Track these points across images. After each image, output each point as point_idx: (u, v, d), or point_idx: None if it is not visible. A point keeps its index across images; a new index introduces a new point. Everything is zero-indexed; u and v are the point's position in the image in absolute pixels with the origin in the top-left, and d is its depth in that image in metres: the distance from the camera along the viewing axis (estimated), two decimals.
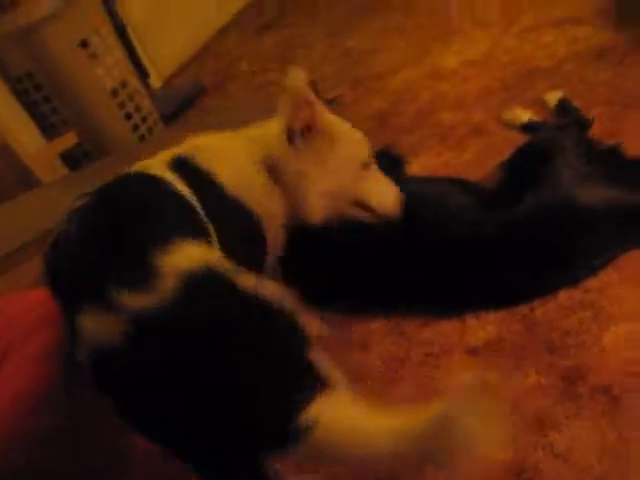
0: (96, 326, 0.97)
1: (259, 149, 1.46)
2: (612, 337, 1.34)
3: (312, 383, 0.96)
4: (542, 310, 1.47)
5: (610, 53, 2.27)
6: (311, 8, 4.10)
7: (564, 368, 1.33)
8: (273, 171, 1.46)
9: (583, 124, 1.91)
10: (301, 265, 1.60)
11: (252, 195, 1.41)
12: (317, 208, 1.49)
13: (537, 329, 1.44)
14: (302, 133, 1.46)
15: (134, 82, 3.01)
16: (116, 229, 1.07)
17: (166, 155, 1.39)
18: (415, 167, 2.14)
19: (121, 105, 2.92)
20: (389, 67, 2.94)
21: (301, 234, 1.52)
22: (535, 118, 2.08)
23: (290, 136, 1.46)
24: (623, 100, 2.03)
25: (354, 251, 1.63)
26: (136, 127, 2.98)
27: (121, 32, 3.11)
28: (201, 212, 1.23)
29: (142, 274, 0.98)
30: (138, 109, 2.98)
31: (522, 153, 1.78)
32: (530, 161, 1.69)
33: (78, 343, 0.99)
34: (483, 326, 1.50)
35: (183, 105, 3.41)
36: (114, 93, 2.89)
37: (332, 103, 2.77)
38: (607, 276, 1.47)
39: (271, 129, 1.49)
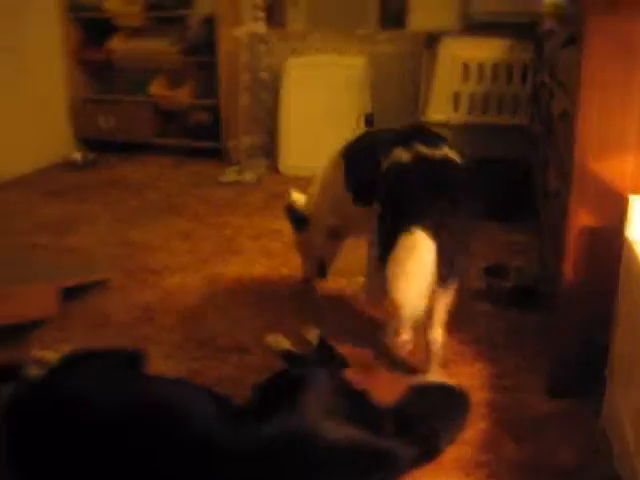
0: None
1: None
2: None
3: None
4: None
5: None
6: (104, 192, 4.12)
7: None
8: None
9: (338, 363, 2.05)
10: None
11: None
12: None
13: None
14: None
15: None
16: None
17: None
18: (167, 368, 2.12)
19: None
20: (166, 266, 2.98)
21: None
22: (293, 349, 2.19)
23: None
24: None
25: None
26: None
27: None
28: None
29: None
30: None
31: (277, 379, 1.83)
32: (283, 388, 1.74)
33: None
34: None
35: None
36: None
37: (97, 284, 2.73)
38: None
39: None
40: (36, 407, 1.66)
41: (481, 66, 3.98)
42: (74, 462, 1.57)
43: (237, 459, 1.52)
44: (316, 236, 2.51)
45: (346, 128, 4.32)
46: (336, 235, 2.50)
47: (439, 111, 4.01)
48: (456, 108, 4.02)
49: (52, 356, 2.02)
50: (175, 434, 1.56)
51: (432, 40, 4.05)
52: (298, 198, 2.56)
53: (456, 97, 4.02)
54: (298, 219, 2.53)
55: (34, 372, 1.82)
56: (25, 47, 4.37)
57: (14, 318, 2.27)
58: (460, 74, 4.00)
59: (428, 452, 1.70)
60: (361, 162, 2.21)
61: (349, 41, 4.49)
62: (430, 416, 1.75)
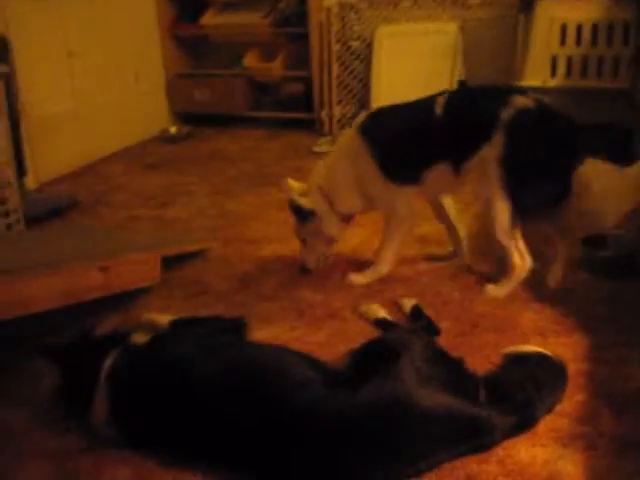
0: None
1: None
2: None
3: None
4: None
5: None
6: (200, 164, 4.24)
7: None
8: None
9: (432, 331, 2.07)
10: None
11: None
12: None
13: None
14: None
15: (8, 173, 2.94)
16: None
17: None
18: (265, 335, 2.18)
19: None
20: (262, 236, 3.05)
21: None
22: (388, 317, 2.22)
23: None
24: (470, 319, 2.24)
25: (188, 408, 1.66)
26: None
27: (15, 123, 3.12)
28: None
29: None
30: (3, 201, 2.90)
31: (372, 346, 1.85)
32: (378, 355, 1.76)
33: None
34: None
35: (51, 213, 3.34)
36: None
37: (196, 254, 2.83)
38: None
39: None
40: (137, 372, 1.75)
41: (580, 27, 3.85)
42: (172, 427, 1.66)
43: (332, 425, 1.56)
44: (330, 225, 2.55)
45: None
46: (348, 218, 2.60)
47: (536, 75, 3.91)
48: (553, 72, 3.92)
49: (161, 320, 2.12)
50: (272, 400, 1.61)
51: (527, 3, 3.94)
52: (296, 187, 2.58)
53: (553, 61, 3.91)
54: (304, 213, 2.53)
55: (140, 339, 1.91)
56: (123, 25, 4.51)
57: (119, 287, 2.36)
58: (558, 36, 3.89)
59: (524, 421, 1.70)
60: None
61: (440, 7, 4.42)
62: (526, 385, 1.74)
